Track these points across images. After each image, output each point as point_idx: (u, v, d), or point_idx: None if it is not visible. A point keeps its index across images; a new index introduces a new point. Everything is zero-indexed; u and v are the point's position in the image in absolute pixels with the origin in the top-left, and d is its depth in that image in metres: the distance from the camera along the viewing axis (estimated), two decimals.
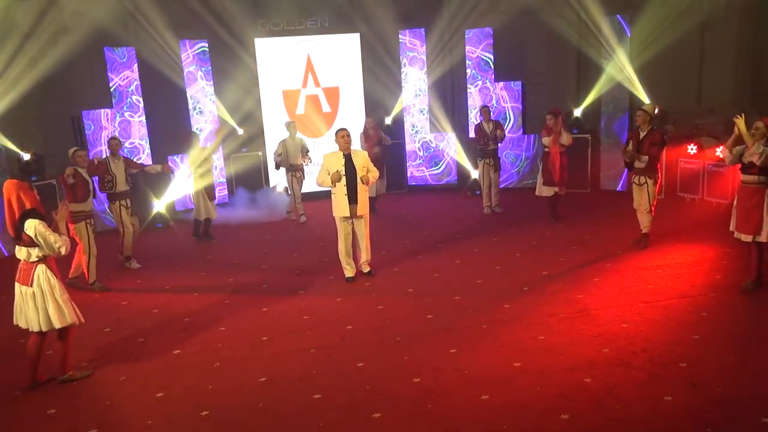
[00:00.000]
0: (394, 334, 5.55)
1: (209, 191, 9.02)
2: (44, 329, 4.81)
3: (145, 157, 10.37)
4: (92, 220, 7.15)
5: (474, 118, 11.53)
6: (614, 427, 3.96)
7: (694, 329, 5.27)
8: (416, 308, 6.14)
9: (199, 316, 6.31)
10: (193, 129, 10.70)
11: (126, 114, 10.24)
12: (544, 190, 8.98)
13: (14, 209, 4.79)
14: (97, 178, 7.55)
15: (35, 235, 4.67)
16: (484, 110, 9.84)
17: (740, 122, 5.84)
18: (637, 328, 5.34)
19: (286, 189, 11.70)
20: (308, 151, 10.11)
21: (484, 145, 9.75)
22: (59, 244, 4.70)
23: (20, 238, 4.76)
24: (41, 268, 4.78)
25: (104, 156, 8.26)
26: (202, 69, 11.14)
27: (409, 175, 12.15)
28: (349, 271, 7.08)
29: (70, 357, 5.06)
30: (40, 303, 4.76)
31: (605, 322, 5.50)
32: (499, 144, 9.93)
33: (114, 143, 7.82)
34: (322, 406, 4.44)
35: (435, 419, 4.17)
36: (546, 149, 8.86)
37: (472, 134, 10.65)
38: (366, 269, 7.19)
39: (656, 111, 7.46)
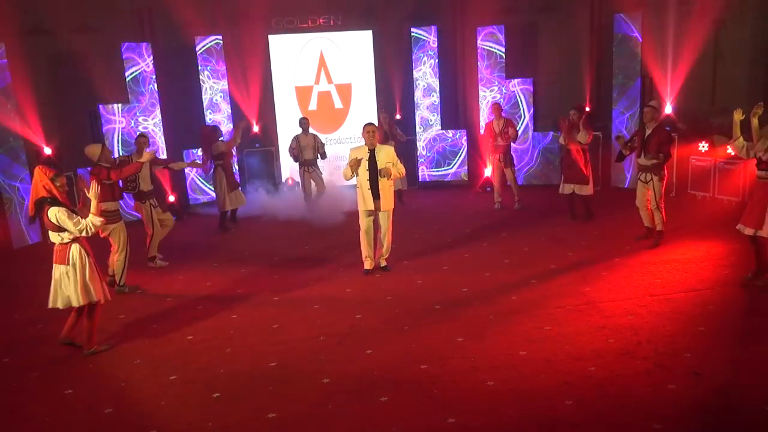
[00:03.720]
0: (402, 324, 5.65)
1: (230, 183, 9.19)
2: (75, 305, 5.16)
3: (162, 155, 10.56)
4: (120, 220, 6.90)
5: (486, 117, 11.63)
6: (617, 413, 4.02)
7: (699, 322, 5.31)
8: (424, 299, 6.22)
9: (211, 304, 6.44)
10: (209, 123, 10.88)
11: (140, 119, 10.44)
12: (565, 188, 8.95)
13: (33, 193, 5.16)
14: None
15: (57, 222, 5.01)
16: (495, 107, 9.90)
17: (738, 115, 5.93)
18: (643, 320, 5.39)
19: (297, 183, 11.85)
20: (323, 145, 10.19)
21: (493, 142, 9.82)
22: (81, 226, 5.03)
23: (34, 220, 5.20)
24: (75, 247, 5.11)
25: (129, 154, 7.94)
26: (208, 68, 11.26)
27: (419, 171, 12.23)
28: (368, 264, 7.13)
29: (96, 333, 5.37)
30: (73, 279, 5.09)
31: (611, 314, 5.56)
32: (513, 143, 9.95)
33: (141, 140, 7.62)
34: (330, 389, 4.54)
35: (441, 404, 4.25)
36: (566, 147, 8.87)
37: (482, 131, 10.70)
38: (383, 264, 7.22)
39: (663, 110, 7.48)
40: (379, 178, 6.79)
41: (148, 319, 6.10)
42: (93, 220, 5.07)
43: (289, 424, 4.15)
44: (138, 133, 8.30)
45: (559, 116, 8.94)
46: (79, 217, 5.08)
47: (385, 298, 6.35)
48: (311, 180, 10.17)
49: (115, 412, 4.42)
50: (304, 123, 10.13)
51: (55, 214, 5.01)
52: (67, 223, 5.00)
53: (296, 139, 10.08)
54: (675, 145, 7.36)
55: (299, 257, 7.96)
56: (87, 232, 5.06)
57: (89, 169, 6.97)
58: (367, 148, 6.84)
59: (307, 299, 6.43)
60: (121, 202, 7.15)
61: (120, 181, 7.31)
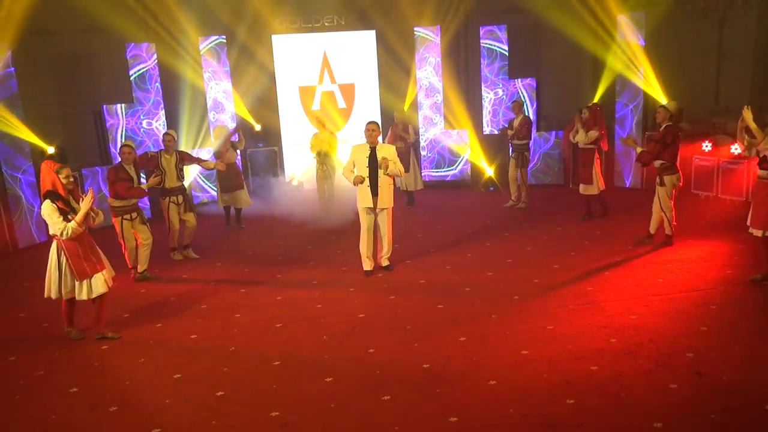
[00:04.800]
0: (404, 323, 5.66)
1: (222, 184, 9.29)
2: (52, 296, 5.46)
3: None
4: (135, 214, 7.15)
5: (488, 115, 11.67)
6: (618, 412, 4.03)
7: (702, 321, 5.31)
8: (427, 299, 6.24)
9: (215, 303, 6.48)
10: (220, 123, 10.91)
11: (144, 122, 10.48)
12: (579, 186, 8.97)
13: (42, 188, 5.42)
14: (144, 171, 7.62)
15: (43, 215, 5.25)
16: (515, 105, 9.95)
17: (747, 114, 5.90)
18: (645, 319, 5.40)
19: (301, 183, 11.88)
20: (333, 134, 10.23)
21: (510, 139, 9.88)
22: (60, 227, 5.20)
23: None
24: (54, 243, 5.36)
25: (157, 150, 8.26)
26: (212, 67, 11.29)
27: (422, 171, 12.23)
28: (367, 264, 7.14)
29: (66, 317, 5.68)
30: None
31: (613, 313, 5.57)
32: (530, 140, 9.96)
33: (167, 138, 7.82)
34: (333, 388, 4.57)
35: (443, 402, 4.28)
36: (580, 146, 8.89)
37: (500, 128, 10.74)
38: (385, 263, 7.24)
39: (675, 109, 7.47)
40: (378, 176, 6.80)
41: (152, 318, 6.14)
42: (73, 225, 5.21)
43: (292, 422, 4.17)
44: (164, 131, 8.67)
45: (575, 115, 8.89)
46: (62, 218, 5.20)
47: (387, 297, 6.38)
48: (325, 179, 10.15)
49: (120, 410, 4.45)
50: (318, 123, 10.16)
51: (44, 208, 5.21)
52: (50, 220, 5.20)
53: (315, 136, 10.07)
54: (676, 146, 7.31)
55: (302, 257, 7.98)
56: (64, 235, 5.21)
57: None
58: (368, 145, 6.88)
59: (310, 299, 6.45)
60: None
61: (143, 171, 7.57)
